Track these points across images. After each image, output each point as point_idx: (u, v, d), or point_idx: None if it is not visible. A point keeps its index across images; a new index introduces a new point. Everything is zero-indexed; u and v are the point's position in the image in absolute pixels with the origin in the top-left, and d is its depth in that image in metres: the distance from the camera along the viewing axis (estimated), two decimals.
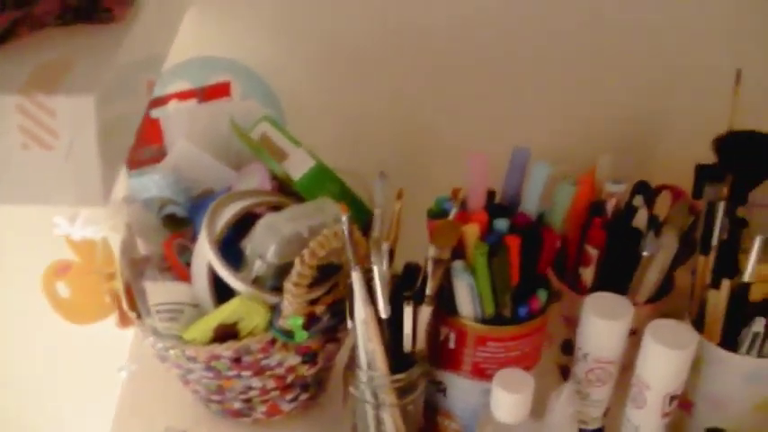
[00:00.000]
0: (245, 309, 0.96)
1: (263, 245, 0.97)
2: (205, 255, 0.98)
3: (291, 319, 0.96)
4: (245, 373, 1.02)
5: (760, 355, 0.97)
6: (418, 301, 0.95)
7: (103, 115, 0.65)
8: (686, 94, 1.25)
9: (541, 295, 0.99)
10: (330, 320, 1.01)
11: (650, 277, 1.07)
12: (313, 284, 0.97)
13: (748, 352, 0.98)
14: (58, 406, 1.52)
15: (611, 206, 1.09)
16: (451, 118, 1.27)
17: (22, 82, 0.64)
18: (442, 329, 1.00)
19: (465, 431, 1.05)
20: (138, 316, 1.02)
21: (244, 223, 1.01)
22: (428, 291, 0.95)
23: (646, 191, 1.10)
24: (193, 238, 1.02)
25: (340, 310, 0.99)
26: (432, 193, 1.03)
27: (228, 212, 1.01)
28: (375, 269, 0.93)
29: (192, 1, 1.12)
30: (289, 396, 1.08)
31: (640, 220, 1.07)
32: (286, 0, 1.19)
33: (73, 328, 1.09)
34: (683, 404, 1.01)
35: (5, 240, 1.32)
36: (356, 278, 0.93)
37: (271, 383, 1.05)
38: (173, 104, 1.14)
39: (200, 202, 1.06)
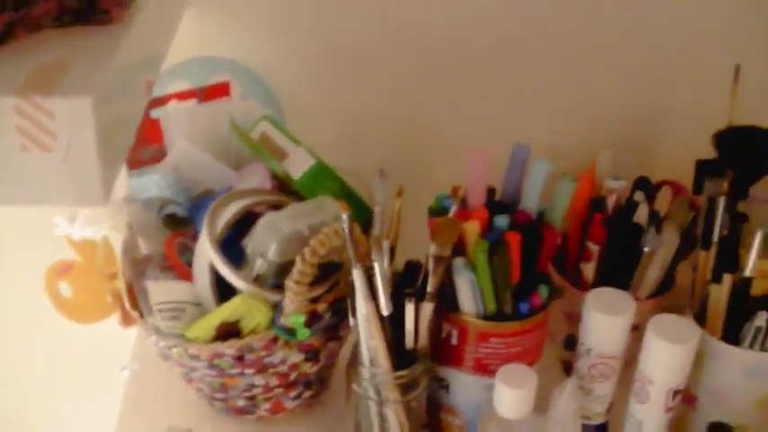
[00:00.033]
0: (247, 307, 0.96)
1: (264, 243, 0.97)
2: (206, 254, 0.98)
3: (293, 316, 0.96)
4: (248, 371, 1.02)
5: (762, 349, 0.97)
6: (420, 298, 0.95)
7: (102, 116, 0.65)
8: (686, 94, 1.25)
9: (542, 291, 0.99)
10: (332, 318, 1.01)
11: (651, 273, 1.07)
12: (314, 282, 0.96)
13: (751, 346, 0.97)
14: (59, 406, 1.52)
15: (611, 202, 1.09)
16: (451, 117, 1.27)
17: (20, 84, 0.64)
18: (444, 326, 1.00)
19: (468, 427, 1.05)
20: (141, 315, 1.02)
21: (244, 222, 1.01)
22: (429, 288, 0.95)
23: (646, 187, 1.10)
24: (194, 238, 1.02)
25: (341, 307, 0.99)
26: (431, 192, 1.02)
27: (229, 212, 1.01)
28: (376, 266, 0.93)
29: (191, 1, 1.12)
30: (292, 393, 1.08)
31: (641, 215, 1.07)
32: (285, 0, 1.19)
33: (73, 328, 1.09)
34: (686, 399, 1.01)
35: (6, 241, 1.32)
36: (357, 276, 0.93)
37: (274, 381, 1.05)
38: (172, 104, 1.14)
39: (200, 202, 1.05)
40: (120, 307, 1.04)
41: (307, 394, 1.10)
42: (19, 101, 0.63)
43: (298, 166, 1.06)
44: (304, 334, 0.97)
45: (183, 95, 1.14)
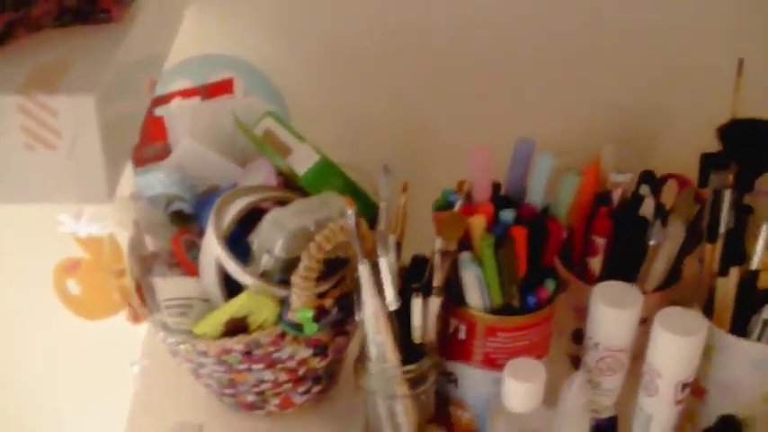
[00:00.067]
0: (254, 303, 0.96)
1: (270, 240, 0.97)
2: (213, 250, 0.98)
3: (301, 312, 0.96)
4: (257, 367, 1.02)
5: None
6: (426, 292, 0.95)
7: (105, 114, 0.65)
8: (687, 90, 1.24)
9: (549, 285, 0.99)
10: (339, 313, 1.00)
11: (658, 266, 1.06)
12: (320, 278, 0.96)
13: (759, 339, 0.97)
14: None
15: (616, 196, 1.08)
16: (452, 116, 1.26)
17: (23, 82, 0.64)
18: (452, 321, 1.00)
19: (477, 421, 1.05)
20: (149, 311, 1.03)
21: (250, 219, 1.01)
22: (436, 282, 0.95)
23: (651, 180, 1.10)
24: (200, 234, 1.02)
25: (348, 303, 0.99)
26: (432, 190, 1.02)
27: (235, 208, 1.00)
28: (383, 261, 0.93)
29: (192, 0, 1.13)
30: (301, 389, 1.08)
31: (647, 209, 1.06)
32: None
33: (75, 327, 1.10)
34: (695, 391, 1.00)
35: (10, 240, 1.32)
36: (364, 271, 0.93)
37: (283, 376, 1.04)
38: (176, 102, 1.14)
39: (205, 199, 1.05)
40: (128, 304, 1.04)
41: (316, 389, 1.10)
42: (22, 99, 0.63)
43: (302, 162, 1.06)
44: (312, 329, 0.97)
45: (186, 93, 1.14)
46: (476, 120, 1.26)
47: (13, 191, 0.68)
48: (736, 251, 0.99)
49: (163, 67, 0.93)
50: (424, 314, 0.96)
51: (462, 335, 1.00)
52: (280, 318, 0.98)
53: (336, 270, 1.00)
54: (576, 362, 1.11)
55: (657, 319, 0.94)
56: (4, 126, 0.64)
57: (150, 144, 1.10)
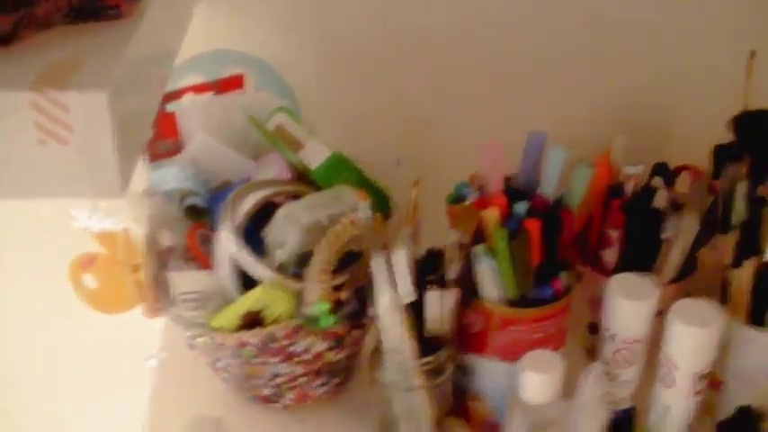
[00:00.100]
0: (269, 296, 0.96)
1: (284, 234, 0.97)
2: (227, 244, 0.98)
3: (317, 305, 0.96)
4: (273, 360, 1.02)
5: None
6: (442, 285, 0.95)
7: (117, 110, 0.65)
8: (697, 83, 1.23)
9: (564, 277, 0.99)
10: (354, 306, 1.01)
11: (673, 258, 1.06)
12: (335, 271, 0.97)
13: None
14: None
15: (629, 188, 1.08)
16: (460, 113, 1.26)
17: (34, 79, 0.64)
18: (467, 313, 1.00)
19: (495, 413, 1.05)
20: (165, 306, 1.03)
21: (263, 213, 1.01)
22: (451, 275, 0.95)
23: (664, 172, 1.10)
24: (214, 229, 1.02)
25: (364, 295, 0.99)
26: (442, 186, 1.02)
27: (248, 202, 1.01)
28: (398, 254, 0.93)
29: None
30: (317, 382, 1.08)
31: (660, 201, 1.06)
32: None
33: (90, 323, 1.10)
34: (713, 383, 1.00)
35: (24, 236, 1.33)
36: (379, 264, 0.94)
37: (299, 369, 1.05)
38: (188, 98, 1.14)
39: (219, 193, 1.05)
40: (144, 298, 1.05)
41: (332, 383, 1.10)
42: (34, 96, 0.63)
43: (314, 156, 1.06)
44: (328, 322, 0.97)
45: (198, 88, 1.14)
46: (482, 116, 1.25)
47: (26, 186, 0.68)
48: (751, 243, 0.99)
49: (173, 63, 0.94)
50: (440, 307, 0.96)
51: (477, 327, 1.00)
52: (295, 311, 0.98)
53: (350, 263, 1.00)
54: (592, 354, 1.11)
55: (673, 310, 0.94)
56: (18, 122, 0.64)
57: (163, 140, 1.11)
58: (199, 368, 1.11)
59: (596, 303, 1.02)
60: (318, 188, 1.04)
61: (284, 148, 1.06)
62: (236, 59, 1.16)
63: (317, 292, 0.96)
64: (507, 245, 0.93)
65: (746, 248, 0.99)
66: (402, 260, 0.93)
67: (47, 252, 1.06)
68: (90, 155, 0.66)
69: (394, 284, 0.93)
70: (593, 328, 1.09)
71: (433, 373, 0.98)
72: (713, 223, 1.04)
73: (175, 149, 1.10)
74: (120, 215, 1.01)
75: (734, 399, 1.01)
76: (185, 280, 1.00)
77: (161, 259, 1.03)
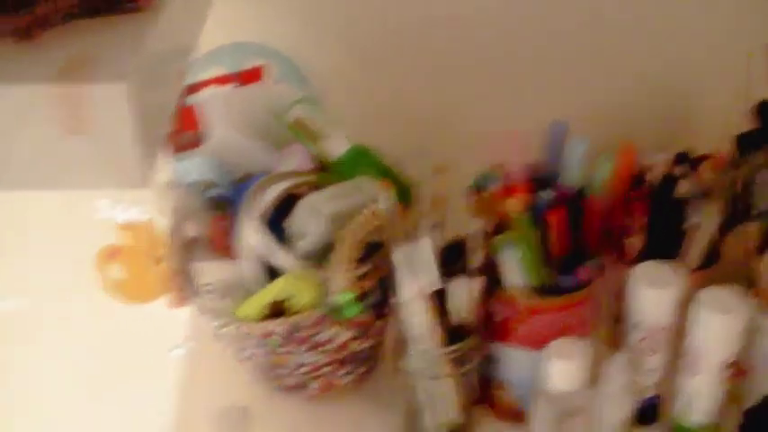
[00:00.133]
0: (293, 286, 0.96)
1: (306, 224, 0.97)
2: (251, 235, 0.98)
3: (341, 295, 0.96)
4: (299, 350, 1.02)
5: None
6: (466, 274, 0.95)
7: (137, 101, 0.66)
8: (719, 70, 1.22)
9: (589, 265, 0.98)
10: (378, 295, 1.01)
11: (696, 246, 1.05)
12: (359, 261, 0.97)
13: None
14: (83, 395, 1.52)
15: (652, 177, 1.07)
16: (480, 103, 1.25)
17: (55, 73, 0.65)
18: (491, 302, 1.00)
19: (520, 401, 1.05)
20: (190, 296, 1.04)
21: (285, 204, 1.01)
22: (475, 263, 0.95)
23: (687, 161, 1.09)
24: (238, 220, 1.02)
25: (388, 285, 0.99)
26: (463, 176, 1.01)
27: (271, 193, 1.01)
28: (422, 243, 0.93)
29: None
30: (342, 371, 1.08)
31: (683, 189, 1.06)
32: None
33: (101, 317, 1.11)
34: (738, 371, 0.99)
35: (48, 227, 1.34)
36: (402, 254, 0.94)
37: (324, 359, 1.05)
38: (209, 90, 1.14)
39: (242, 185, 1.05)
40: (169, 288, 1.05)
41: (357, 372, 1.10)
42: (55, 89, 0.64)
43: (336, 147, 1.06)
44: (353, 311, 0.97)
45: (220, 80, 1.14)
46: (505, 106, 1.24)
47: (51, 178, 0.68)
48: None
49: (192, 55, 0.94)
50: (464, 296, 0.96)
51: (502, 316, 0.99)
52: (320, 301, 0.98)
53: (373, 253, 1.00)
54: (617, 342, 1.10)
55: (699, 298, 0.93)
56: (40, 115, 0.64)
57: (184, 132, 1.11)
58: (224, 358, 1.11)
59: (621, 292, 1.02)
60: (340, 179, 1.04)
61: (305, 139, 1.06)
62: (256, 51, 1.16)
63: (341, 282, 0.96)
64: (531, 233, 0.93)
65: None
66: (427, 249, 0.93)
67: (72, 243, 1.06)
68: (112, 146, 0.66)
69: (418, 273, 0.93)
70: (618, 318, 1.08)
71: (459, 362, 0.98)
72: (737, 211, 1.03)
73: (197, 141, 1.10)
74: (144, 206, 1.02)
75: (760, 387, 1.00)
76: (210, 270, 1.01)
77: (185, 250, 1.04)
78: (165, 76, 0.77)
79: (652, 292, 0.95)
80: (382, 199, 0.94)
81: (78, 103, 0.64)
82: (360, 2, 1.18)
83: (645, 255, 1.04)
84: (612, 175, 1.00)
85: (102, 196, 1.02)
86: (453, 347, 0.97)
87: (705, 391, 0.97)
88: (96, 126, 0.65)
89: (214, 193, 1.05)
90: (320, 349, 1.03)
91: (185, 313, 1.18)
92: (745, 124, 1.08)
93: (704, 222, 1.03)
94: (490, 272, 0.97)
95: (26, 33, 0.69)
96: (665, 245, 1.05)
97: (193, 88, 1.12)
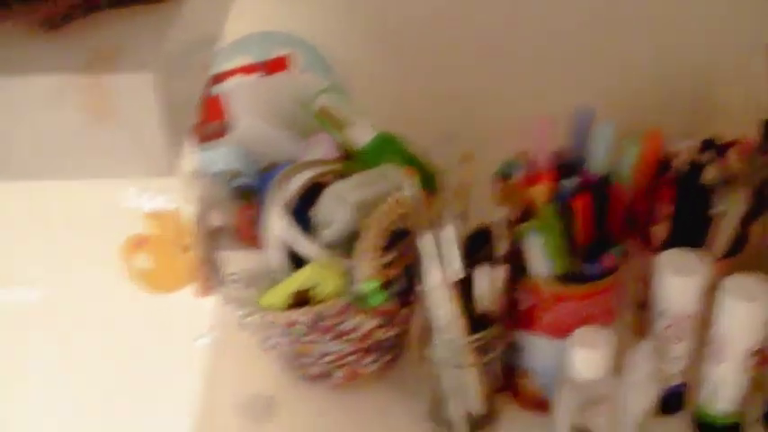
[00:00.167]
0: (319, 275, 0.97)
1: (332, 213, 0.97)
2: (277, 224, 0.98)
3: (366, 283, 0.96)
4: (324, 338, 1.02)
5: None
6: (491, 262, 0.95)
7: (164, 91, 0.66)
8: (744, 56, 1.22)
9: (614, 253, 0.98)
10: (404, 284, 1.01)
11: (723, 233, 1.05)
12: (384, 249, 0.97)
13: None
14: (108, 383, 1.53)
15: (679, 163, 1.07)
16: (507, 90, 1.25)
17: (82, 62, 0.65)
18: (516, 290, 1.00)
19: (544, 390, 1.05)
20: (216, 285, 1.04)
21: (310, 193, 1.01)
22: (500, 251, 0.95)
23: (714, 147, 1.08)
24: (263, 209, 1.02)
25: (413, 273, 0.99)
26: (488, 164, 1.01)
27: (296, 182, 1.01)
28: (447, 230, 0.93)
29: None
30: (367, 360, 1.08)
31: (710, 176, 1.05)
32: None
33: (127, 305, 1.11)
34: (764, 359, 0.98)
35: (76, 217, 1.34)
36: (428, 241, 0.94)
37: (348, 348, 1.05)
38: (235, 79, 1.14)
39: (267, 174, 1.05)
40: (195, 277, 1.06)
41: (382, 361, 1.10)
42: (82, 78, 0.64)
43: (361, 135, 1.06)
44: (378, 300, 0.97)
45: (246, 69, 1.14)
46: (529, 93, 1.23)
47: (77, 167, 0.68)
48: None
49: (218, 45, 0.94)
50: (489, 284, 0.96)
51: (526, 304, 0.99)
52: (345, 289, 0.98)
53: (398, 241, 1.00)
54: (642, 330, 1.10)
55: (725, 286, 0.93)
56: (67, 105, 0.64)
57: (210, 122, 1.11)
58: (249, 348, 1.11)
59: (646, 280, 1.02)
60: (365, 167, 1.04)
61: (331, 127, 1.06)
62: (282, 40, 1.16)
63: (366, 271, 0.96)
64: (556, 221, 0.93)
65: None
66: (451, 237, 0.93)
67: (99, 232, 1.07)
68: (138, 135, 0.66)
69: (443, 261, 0.93)
70: (643, 305, 1.08)
71: (483, 350, 0.98)
72: (764, 198, 1.02)
73: (223, 131, 1.11)
74: (170, 195, 1.02)
75: None
76: (235, 259, 1.01)
77: (211, 239, 1.04)
78: (190, 65, 0.77)
79: (677, 280, 0.95)
80: (407, 187, 0.94)
81: (105, 92, 0.64)
82: None
83: (670, 242, 1.04)
84: (638, 161, 1.00)
85: (129, 185, 1.03)
86: (477, 336, 0.97)
87: (730, 379, 0.97)
88: (123, 116, 0.65)
89: (240, 182, 1.05)
90: (345, 338, 1.03)
91: (210, 302, 1.18)
92: None
93: (730, 210, 1.02)
94: (515, 260, 0.97)
95: (52, 23, 0.69)
96: (690, 232, 1.04)
97: (219, 78, 1.13)
